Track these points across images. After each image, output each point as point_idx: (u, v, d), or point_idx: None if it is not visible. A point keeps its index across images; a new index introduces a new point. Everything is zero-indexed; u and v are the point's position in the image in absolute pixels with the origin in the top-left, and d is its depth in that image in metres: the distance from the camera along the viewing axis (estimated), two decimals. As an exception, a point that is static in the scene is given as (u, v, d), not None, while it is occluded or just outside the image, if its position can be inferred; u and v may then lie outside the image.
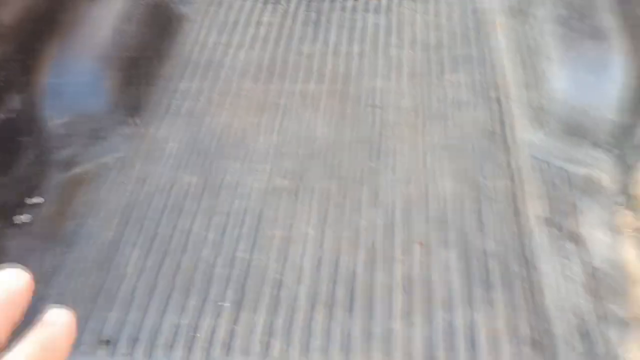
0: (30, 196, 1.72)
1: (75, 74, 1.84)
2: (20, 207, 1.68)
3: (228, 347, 1.41)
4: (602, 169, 1.70)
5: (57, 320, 0.32)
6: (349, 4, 2.46)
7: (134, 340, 1.43)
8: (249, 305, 1.47)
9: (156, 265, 1.57)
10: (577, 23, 1.84)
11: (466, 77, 2.06)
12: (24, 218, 1.68)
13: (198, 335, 1.43)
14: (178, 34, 2.30)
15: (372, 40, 2.26)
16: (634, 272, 1.46)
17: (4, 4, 1.65)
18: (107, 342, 1.43)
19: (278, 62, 2.19)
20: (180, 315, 1.47)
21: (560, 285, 1.46)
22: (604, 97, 1.71)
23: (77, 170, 1.83)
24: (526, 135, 1.83)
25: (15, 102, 1.67)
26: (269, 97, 2.05)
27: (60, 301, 1.44)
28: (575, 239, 1.56)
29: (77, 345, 1.35)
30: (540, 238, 1.56)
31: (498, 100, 1.96)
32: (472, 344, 1.36)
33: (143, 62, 2.06)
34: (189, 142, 1.90)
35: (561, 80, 1.78)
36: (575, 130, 1.76)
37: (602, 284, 1.46)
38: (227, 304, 1.48)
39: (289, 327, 1.43)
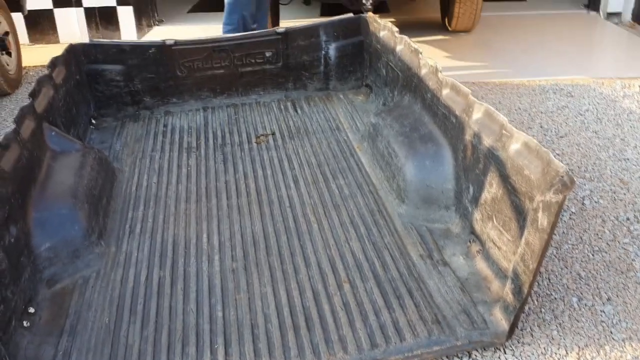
0: (27, 306, 2.08)
1: (54, 209, 2.32)
2: (23, 313, 2.03)
3: (228, 372, 1.87)
4: (451, 222, 2.52)
5: None
6: (247, 147, 3.25)
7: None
8: (235, 342, 1.96)
9: (153, 332, 2.01)
10: (412, 133, 2.76)
11: (345, 181, 2.87)
12: (25, 323, 2.02)
13: (202, 370, 1.88)
14: (118, 180, 2.88)
15: (271, 167, 3.02)
16: (486, 275, 2.21)
17: (3, 157, 2.15)
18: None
19: (204, 189, 2.83)
20: (185, 359, 1.91)
21: (441, 289, 2.16)
22: (441, 175, 2.57)
23: (60, 285, 2.23)
24: (395, 209, 2.63)
25: (15, 231, 2.10)
26: (204, 212, 2.66)
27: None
28: (443, 263, 2.30)
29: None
30: (421, 266, 2.28)
31: (370, 192, 2.77)
32: (398, 332, 1.97)
33: (100, 198, 2.59)
34: (149, 250, 2.41)
35: (410, 169, 2.63)
36: (427, 199, 2.58)
37: (467, 284, 2.18)
38: (218, 346, 1.95)
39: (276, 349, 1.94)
